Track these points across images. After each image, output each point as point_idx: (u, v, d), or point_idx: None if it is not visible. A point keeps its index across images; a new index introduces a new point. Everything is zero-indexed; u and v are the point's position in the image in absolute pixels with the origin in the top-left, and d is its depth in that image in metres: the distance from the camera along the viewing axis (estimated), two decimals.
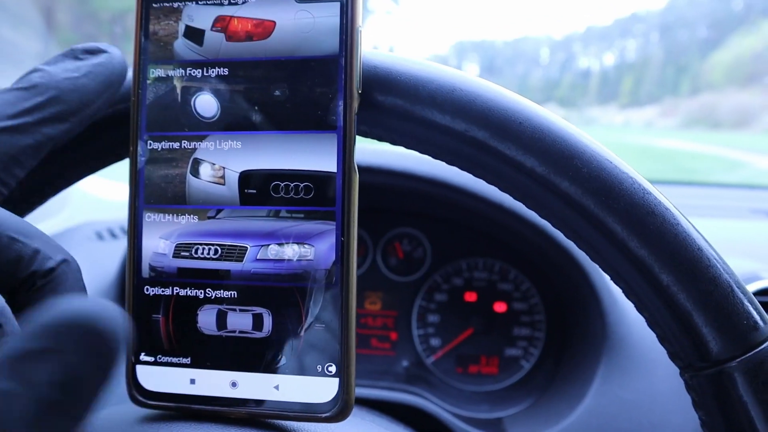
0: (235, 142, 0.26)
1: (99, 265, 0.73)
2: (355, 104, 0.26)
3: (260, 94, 0.26)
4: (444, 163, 0.29)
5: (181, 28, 0.27)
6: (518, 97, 0.27)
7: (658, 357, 0.56)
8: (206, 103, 0.27)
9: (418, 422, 0.59)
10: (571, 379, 0.62)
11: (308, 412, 0.25)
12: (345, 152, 0.26)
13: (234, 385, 0.26)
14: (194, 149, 0.27)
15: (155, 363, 0.27)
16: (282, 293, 0.26)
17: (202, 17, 0.27)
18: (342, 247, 0.25)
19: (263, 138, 0.26)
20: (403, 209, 0.72)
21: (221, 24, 0.27)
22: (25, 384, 0.15)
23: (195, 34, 0.27)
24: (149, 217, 0.27)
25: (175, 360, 0.27)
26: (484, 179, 0.28)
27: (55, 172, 0.31)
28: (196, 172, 0.27)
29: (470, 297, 0.71)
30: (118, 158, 0.32)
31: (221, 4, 0.27)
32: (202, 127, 0.27)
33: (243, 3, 0.27)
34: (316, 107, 0.26)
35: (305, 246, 0.26)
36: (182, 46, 0.27)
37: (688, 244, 0.25)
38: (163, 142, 0.27)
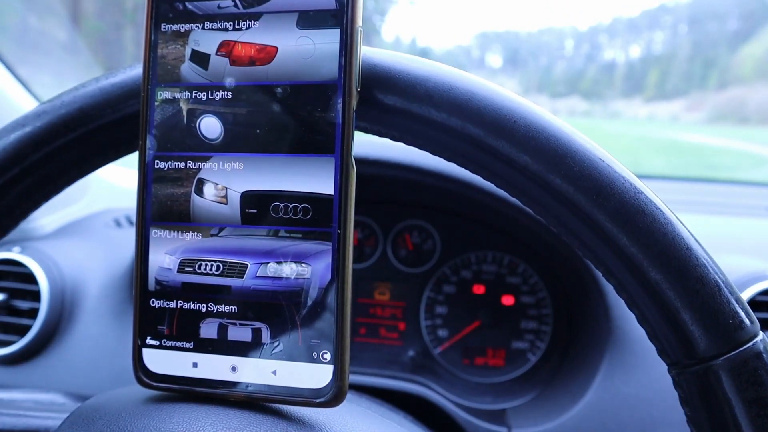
0: (237, 163, 0.27)
1: (117, 252, 0.75)
2: (354, 101, 0.27)
3: (262, 118, 0.27)
4: None
5: (188, 51, 0.28)
6: (514, 96, 0.27)
7: None
8: (210, 126, 0.28)
9: (421, 411, 0.60)
10: (575, 372, 0.62)
11: (303, 397, 0.26)
12: (342, 175, 0.26)
13: (234, 369, 0.27)
14: (199, 169, 0.28)
15: (160, 347, 0.28)
16: (280, 309, 0.27)
17: (207, 42, 0.28)
18: (338, 268, 0.26)
19: (264, 160, 0.27)
20: (414, 202, 0.73)
21: (226, 49, 0.27)
22: None
23: (201, 58, 0.28)
24: (155, 234, 0.28)
25: (178, 344, 0.28)
26: (480, 175, 0.29)
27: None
28: (200, 192, 0.28)
29: (478, 289, 0.71)
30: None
31: (226, 29, 0.28)
32: (206, 148, 0.28)
33: (247, 28, 0.27)
34: (316, 131, 0.27)
35: (303, 265, 0.27)
36: (188, 69, 0.28)
37: (677, 243, 0.25)
38: (170, 162, 0.28)
